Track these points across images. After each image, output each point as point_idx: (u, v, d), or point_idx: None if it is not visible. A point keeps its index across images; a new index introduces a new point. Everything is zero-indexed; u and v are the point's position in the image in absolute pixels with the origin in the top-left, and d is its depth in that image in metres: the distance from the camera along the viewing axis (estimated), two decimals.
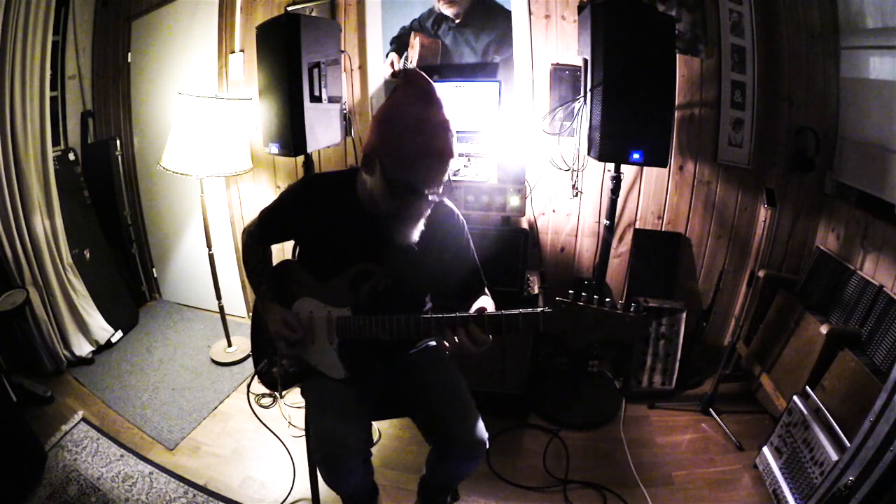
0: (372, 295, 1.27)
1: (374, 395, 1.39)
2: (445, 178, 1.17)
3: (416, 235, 1.22)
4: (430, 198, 1.16)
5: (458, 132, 2.19)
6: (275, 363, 1.42)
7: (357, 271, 1.28)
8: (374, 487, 1.52)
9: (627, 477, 1.89)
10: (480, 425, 1.29)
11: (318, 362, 1.35)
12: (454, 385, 1.37)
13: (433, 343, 1.51)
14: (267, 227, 1.41)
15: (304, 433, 1.50)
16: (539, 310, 1.11)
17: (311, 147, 1.97)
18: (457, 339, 1.18)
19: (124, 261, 3.02)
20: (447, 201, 1.36)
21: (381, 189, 1.17)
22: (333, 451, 1.20)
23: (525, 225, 2.34)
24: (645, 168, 2.33)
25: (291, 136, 1.91)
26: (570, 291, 1.11)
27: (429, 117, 1.10)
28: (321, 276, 1.34)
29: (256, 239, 1.43)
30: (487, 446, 1.28)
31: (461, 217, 1.39)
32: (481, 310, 1.19)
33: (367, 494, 1.47)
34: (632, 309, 1.08)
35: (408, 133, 1.10)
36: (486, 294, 1.39)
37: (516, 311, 1.14)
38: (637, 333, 1.11)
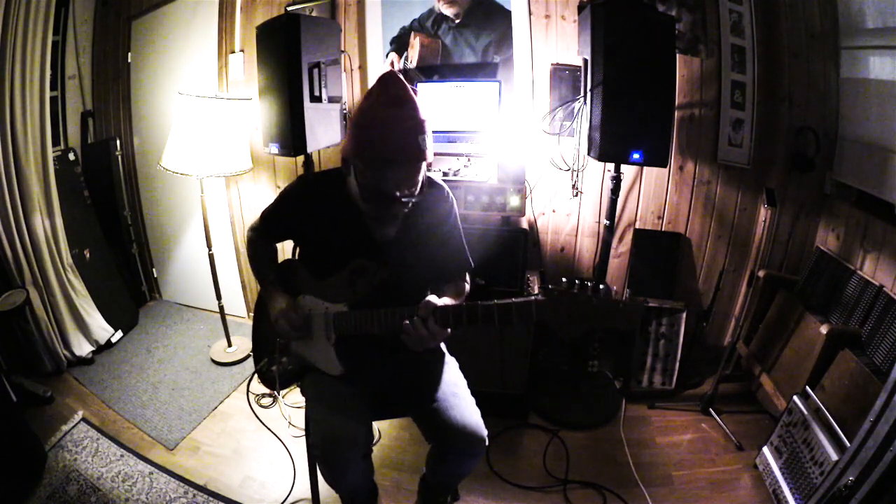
0: (369, 290, 1.28)
1: (373, 392, 1.39)
2: (419, 180, 1.17)
3: (393, 232, 1.26)
4: (404, 200, 1.16)
5: (457, 132, 2.16)
6: (275, 361, 1.42)
7: (353, 268, 1.28)
8: (373, 487, 1.52)
9: (627, 477, 1.89)
10: (480, 422, 1.29)
11: (317, 359, 1.36)
12: (454, 382, 1.37)
13: None
14: (269, 226, 1.43)
15: (303, 433, 1.50)
16: (532, 297, 1.10)
17: (311, 147, 1.97)
18: (419, 331, 1.15)
19: (124, 261, 3.02)
20: (439, 181, 1.36)
21: (356, 191, 1.20)
22: (333, 445, 1.20)
23: (525, 225, 2.34)
24: (645, 168, 2.32)
25: (291, 136, 1.91)
26: (563, 279, 1.08)
27: (395, 121, 1.10)
28: (320, 273, 1.35)
29: (260, 235, 1.45)
30: (487, 443, 1.28)
31: (451, 196, 1.37)
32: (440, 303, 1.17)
33: (366, 493, 1.47)
34: (626, 296, 1.04)
35: (373, 138, 1.11)
36: (465, 281, 1.40)
37: (509, 301, 1.12)
38: (633, 321, 1.06)
